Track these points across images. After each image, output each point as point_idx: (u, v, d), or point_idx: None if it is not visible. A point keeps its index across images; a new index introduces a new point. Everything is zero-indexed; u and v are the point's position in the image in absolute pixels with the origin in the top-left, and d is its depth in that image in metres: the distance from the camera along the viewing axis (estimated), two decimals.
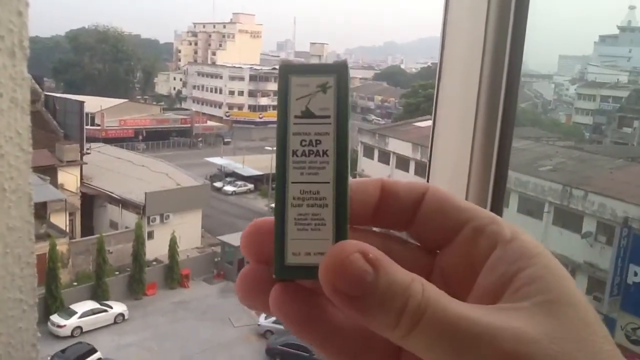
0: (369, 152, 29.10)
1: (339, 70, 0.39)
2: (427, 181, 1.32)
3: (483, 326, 0.34)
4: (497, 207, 1.25)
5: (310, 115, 0.39)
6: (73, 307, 20.74)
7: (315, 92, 0.39)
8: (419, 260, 0.43)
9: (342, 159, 0.39)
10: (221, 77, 67.52)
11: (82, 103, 30.78)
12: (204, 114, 57.72)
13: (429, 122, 1.33)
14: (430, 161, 1.32)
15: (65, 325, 20.05)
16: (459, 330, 0.34)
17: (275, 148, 0.40)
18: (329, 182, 0.39)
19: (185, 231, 25.97)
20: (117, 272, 23.62)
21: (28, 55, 0.56)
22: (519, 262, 0.38)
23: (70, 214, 25.22)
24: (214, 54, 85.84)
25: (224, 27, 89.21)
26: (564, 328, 0.34)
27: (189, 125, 51.84)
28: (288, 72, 0.39)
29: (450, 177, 1.28)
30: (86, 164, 28.02)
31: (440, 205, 0.42)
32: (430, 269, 0.43)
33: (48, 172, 24.22)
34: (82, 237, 25.27)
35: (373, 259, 0.35)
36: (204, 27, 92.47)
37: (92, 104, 41.75)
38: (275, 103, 0.39)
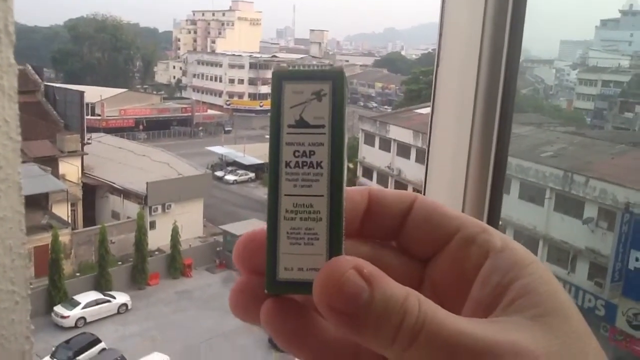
0: (369, 139, 29.03)
1: (335, 77, 0.37)
2: (426, 168, 1.31)
3: (481, 340, 0.33)
4: (497, 194, 1.24)
5: (304, 124, 0.37)
6: (76, 297, 20.83)
7: (310, 100, 0.37)
8: (410, 269, 0.42)
9: (337, 171, 0.37)
10: (221, 66, 67.37)
11: (82, 93, 30.75)
12: (204, 102, 57.56)
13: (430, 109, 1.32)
14: (429, 148, 1.30)
15: (69, 316, 20.14)
16: (458, 345, 0.33)
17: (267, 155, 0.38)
18: (323, 196, 0.37)
19: (187, 221, 26.01)
20: (119, 263, 23.69)
21: (14, 41, 0.55)
22: (512, 273, 0.37)
23: (72, 205, 25.27)
24: (213, 42, 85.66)
25: (223, 14, 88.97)
26: (560, 342, 0.35)
27: (190, 114, 51.78)
28: (281, 78, 0.37)
29: (449, 164, 1.27)
30: (87, 154, 28.03)
31: (428, 215, 0.42)
32: (421, 278, 0.42)
33: (49, 162, 24.26)
34: (84, 227, 25.32)
35: (367, 274, 0.34)
36: (203, 15, 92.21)
37: (92, 93, 41.71)
38: None
